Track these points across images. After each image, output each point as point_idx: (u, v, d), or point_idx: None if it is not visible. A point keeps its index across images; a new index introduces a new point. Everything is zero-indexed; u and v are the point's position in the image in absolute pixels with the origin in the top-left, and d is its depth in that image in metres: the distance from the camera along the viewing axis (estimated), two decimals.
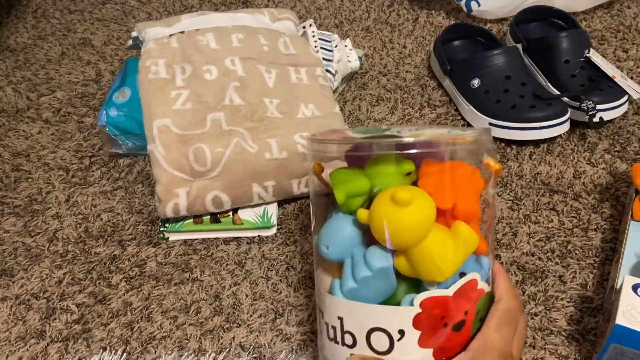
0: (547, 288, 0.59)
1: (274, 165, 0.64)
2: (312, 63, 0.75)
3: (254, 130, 0.65)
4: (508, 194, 0.69)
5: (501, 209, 0.67)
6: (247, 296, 0.61)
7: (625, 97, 0.74)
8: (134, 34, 0.72)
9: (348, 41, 0.84)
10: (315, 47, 0.82)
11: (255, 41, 0.72)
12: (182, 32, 0.71)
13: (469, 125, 0.78)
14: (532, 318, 0.57)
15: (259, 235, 0.66)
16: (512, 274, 0.61)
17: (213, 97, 0.66)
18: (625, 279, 0.49)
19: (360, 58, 0.85)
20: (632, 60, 0.86)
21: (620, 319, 0.47)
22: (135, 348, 0.57)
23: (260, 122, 0.66)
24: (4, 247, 0.67)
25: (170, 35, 0.71)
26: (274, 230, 0.67)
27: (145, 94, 0.66)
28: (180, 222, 0.65)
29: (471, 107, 0.77)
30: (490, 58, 0.76)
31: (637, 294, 0.48)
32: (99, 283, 0.63)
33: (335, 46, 0.82)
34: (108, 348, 0.57)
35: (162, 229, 0.65)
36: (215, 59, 0.69)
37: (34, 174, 0.75)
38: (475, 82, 0.77)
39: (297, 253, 0.64)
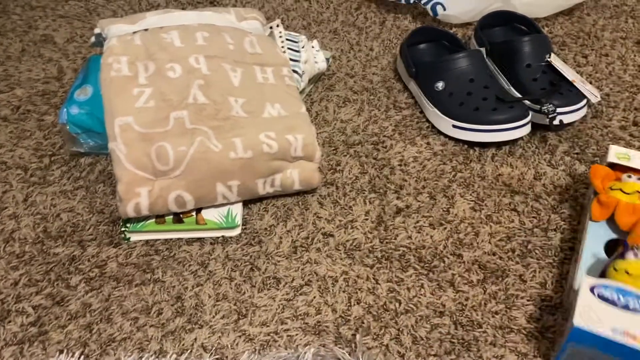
0: (508, 287, 0.60)
1: (238, 165, 0.64)
2: (279, 63, 0.75)
3: (218, 129, 0.65)
4: (470, 195, 0.70)
5: (463, 210, 0.68)
6: (209, 297, 0.60)
7: (585, 101, 0.76)
8: (96, 30, 0.71)
9: (315, 42, 0.84)
10: (282, 47, 0.82)
11: (221, 40, 0.72)
12: (146, 30, 0.70)
13: (433, 127, 0.79)
14: (492, 316, 0.58)
15: (222, 236, 0.66)
16: (473, 273, 0.61)
17: (177, 95, 0.65)
18: (583, 280, 0.50)
19: (327, 59, 0.85)
20: (592, 65, 0.88)
21: (578, 320, 0.48)
22: (94, 350, 0.56)
23: (224, 121, 0.65)
24: None
25: (134, 32, 0.70)
26: (238, 231, 0.66)
27: (106, 92, 0.65)
28: (142, 222, 0.64)
29: (435, 110, 0.78)
30: (455, 61, 0.77)
31: (594, 295, 0.49)
32: (57, 284, 0.61)
33: (303, 47, 0.82)
34: (65, 351, 0.56)
35: (123, 229, 0.64)
36: (179, 57, 0.68)
37: None
38: (440, 85, 0.78)
39: (261, 253, 0.64)
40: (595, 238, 0.59)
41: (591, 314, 0.48)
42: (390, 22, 1.00)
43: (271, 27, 0.84)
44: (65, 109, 0.71)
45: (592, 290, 0.49)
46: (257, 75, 0.72)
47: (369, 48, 0.94)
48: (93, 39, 0.73)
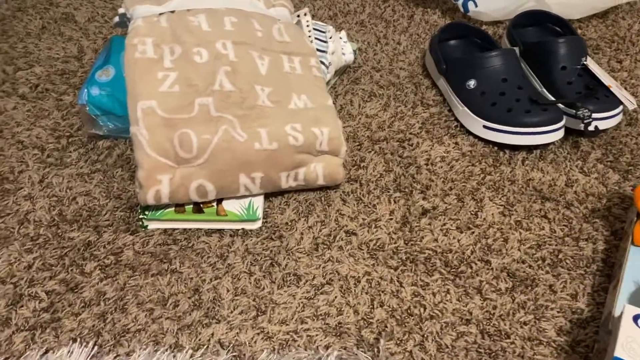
0: (537, 297, 0.58)
1: (263, 156, 0.61)
2: (306, 53, 0.72)
3: (243, 118, 0.62)
4: (500, 199, 0.67)
5: (492, 214, 0.66)
6: (228, 291, 0.58)
7: (621, 107, 0.73)
8: (121, 10, 0.68)
9: (343, 33, 0.82)
10: (310, 37, 0.79)
11: (249, 26, 0.69)
12: (172, 12, 0.68)
13: (462, 126, 0.76)
14: (521, 327, 0.56)
15: (242, 228, 0.64)
16: (502, 281, 0.59)
17: (202, 80, 0.63)
18: (625, 309, 0.48)
19: (354, 51, 0.83)
20: (626, 71, 0.86)
21: (620, 352, 0.45)
22: (108, 340, 0.54)
23: (250, 110, 0.63)
24: None
25: (160, 14, 0.67)
26: (259, 224, 0.64)
27: (130, 74, 0.63)
28: (161, 210, 0.62)
29: (465, 109, 0.75)
30: (488, 59, 0.75)
31: (638, 325, 0.47)
32: (72, 270, 0.59)
33: (330, 37, 0.80)
34: (78, 339, 0.54)
35: (141, 216, 0.62)
36: (207, 42, 0.66)
37: (7, 151, 0.71)
38: (471, 83, 0.75)
39: (282, 249, 0.62)
40: (637, 264, 0.56)
41: (634, 346, 0.45)
42: (419, 16, 0.97)
43: (298, 16, 0.81)
44: (85, 90, 0.69)
45: (635, 320, 0.47)
46: (284, 65, 0.70)
47: (397, 42, 0.91)
48: (117, 18, 0.70)
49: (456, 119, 0.78)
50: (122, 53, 0.71)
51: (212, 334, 0.55)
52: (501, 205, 0.67)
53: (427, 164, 0.71)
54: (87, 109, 0.69)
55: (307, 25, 0.80)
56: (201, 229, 0.63)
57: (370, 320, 0.56)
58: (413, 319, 0.56)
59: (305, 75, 0.70)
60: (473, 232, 0.64)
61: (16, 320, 0.55)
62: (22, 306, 0.56)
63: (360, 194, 0.68)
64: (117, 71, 0.70)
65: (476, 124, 0.74)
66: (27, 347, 0.53)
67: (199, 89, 0.63)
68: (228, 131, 0.61)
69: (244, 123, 0.62)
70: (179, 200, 0.61)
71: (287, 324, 0.56)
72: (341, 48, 0.80)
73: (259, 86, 0.65)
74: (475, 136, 0.75)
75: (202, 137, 0.60)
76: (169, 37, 0.65)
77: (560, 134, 0.71)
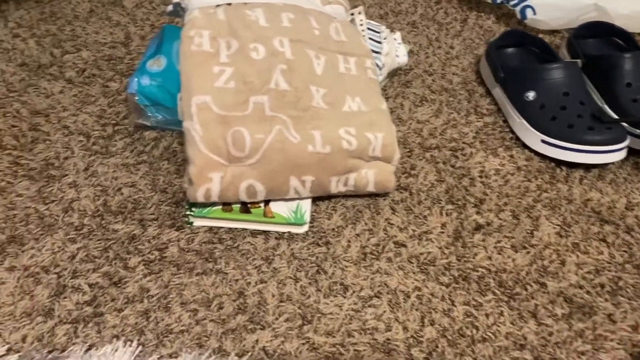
0: (596, 326, 0.55)
1: (315, 159, 0.60)
2: (362, 54, 0.70)
3: (297, 119, 0.61)
4: (556, 219, 0.65)
5: (548, 234, 0.63)
6: (273, 296, 0.57)
7: None
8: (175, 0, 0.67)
9: (398, 34, 0.79)
10: (363, 37, 0.77)
11: (307, 23, 0.67)
12: (229, 4, 0.66)
13: (517, 139, 0.74)
14: (578, 357, 0.53)
15: (289, 232, 0.62)
16: (558, 306, 0.57)
17: (258, 78, 0.62)
18: None
19: (408, 54, 0.80)
20: None
21: None
22: (150, 340, 0.53)
23: (304, 112, 0.61)
24: (16, 212, 0.62)
25: (217, 5, 0.66)
26: (305, 228, 0.62)
27: (186, 66, 0.61)
28: (208, 208, 0.61)
29: (523, 121, 0.72)
30: (550, 71, 0.72)
31: None
32: (115, 263, 0.58)
33: (384, 38, 0.78)
34: (121, 337, 0.53)
35: (188, 212, 0.61)
36: (264, 37, 0.64)
37: (53, 136, 0.70)
38: (530, 95, 0.72)
39: (328, 256, 0.60)
40: None
41: None
42: (473, 20, 0.94)
43: (352, 14, 0.79)
44: (136, 79, 0.68)
45: None
46: (340, 65, 0.67)
47: (449, 46, 0.89)
48: (170, 7, 0.69)
49: (511, 131, 0.75)
50: (174, 43, 0.70)
51: (257, 341, 0.53)
52: (558, 225, 0.64)
53: (480, 176, 0.69)
54: (137, 98, 0.68)
55: (361, 24, 0.78)
56: (246, 229, 0.62)
57: (420, 339, 0.54)
58: (465, 341, 0.54)
59: (360, 76, 0.68)
60: (529, 252, 0.61)
61: (59, 312, 0.54)
62: (65, 297, 0.55)
63: (410, 203, 0.66)
64: (169, 61, 0.69)
65: (534, 138, 0.71)
66: (69, 340, 0.52)
67: (255, 86, 0.61)
68: (282, 132, 0.59)
69: (298, 124, 0.60)
70: (227, 199, 0.60)
71: (333, 336, 0.54)
72: (395, 50, 0.78)
73: (314, 87, 0.63)
74: (532, 150, 0.72)
75: (255, 136, 0.58)
76: (226, 31, 0.63)
77: (623, 154, 0.68)
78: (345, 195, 0.66)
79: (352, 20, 0.78)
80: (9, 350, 0.51)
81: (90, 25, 0.87)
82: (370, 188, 0.64)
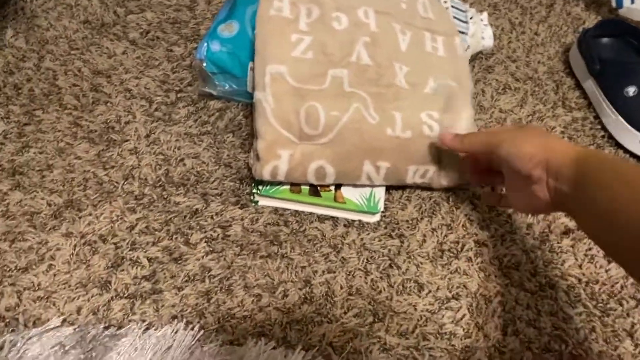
0: None
1: (393, 144, 0.55)
2: (450, 32, 0.64)
3: (378, 97, 0.56)
4: None
5: None
6: (341, 288, 0.52)
7: None
8: None
9: (485, 15, 0.73)
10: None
11: None
12: None
13: (610, 137, 0.67)
14: None
15: (359, 220, 0.57)
16: None
17: (339, 50, 0.57)
18: None
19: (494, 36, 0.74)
20: None
21: None
22: (211, 323, 0.49)
23: (387, 89, 0.56)
24: (74, 175, 0.59)
25: None
26: (377, 217, 0.58)
27: (261, 32, 0.57)
28: (276, 187, 0.57)
29: (620, 118, 0.66)
30: None
31: None
32: (176, 238, 0.55)
33: (471, 18, 0.71)
34: (180, 317, 0.49)
35: (254, 190, 0.57)
36: (348, 7, 0.59)
37: (114, 98, 0.66)
38: (631, 90, 0.65)
39: (402, 250, 0.55)
40: None
41: None
42: (560, 6, 0.87)
43: None
44: (205, 44, 0.63)
45: None
46: (427, 43, 0.62)
47: (534, 32, 0.82)
48: None
49: (604, 128, 0.68)
50: (248, 7, 0.66)
51: (324, 335, 0.49)
52: None
53: None
54: (204, 65, 0.64)
55: (445, 2, 0.72)
56: (314, 213, 0.57)
57: (503, 349, 0.49)
58: (552, 356, 0.49)
59: (448, 57, 0.62)
60: None
61: (116, 286, 0.51)
62: (122, 270, 0.52)
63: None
64: (242, 27, 0.64)
65: (631, 138, 0.64)
66: (125, 316, 0.49)
67: (334, 58, 0.56)
68: (360, 110, 0.54)
69: (378, 103, 0.55)
70: (295, 179, 0.55)
71: (407, 338, 0.49)
72: (481, 31, 0.72)
73: (397, 63, 0.58)
74: (627, 151, 0.65)
75: (331, 113, 0.54)
76: None
77: None
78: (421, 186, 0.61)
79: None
80: (63, 321, 0.48)
81: None
82: (445, 182, 0.58)
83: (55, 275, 0.51)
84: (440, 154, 0.57)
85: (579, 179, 0.41)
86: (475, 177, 0.57)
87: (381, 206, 0.57)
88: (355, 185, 0.58)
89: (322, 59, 0.56)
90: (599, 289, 0.53)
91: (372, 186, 0.58)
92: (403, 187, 0.60)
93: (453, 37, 0.64)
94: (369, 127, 0.54)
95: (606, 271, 0.55)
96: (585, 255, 0.56)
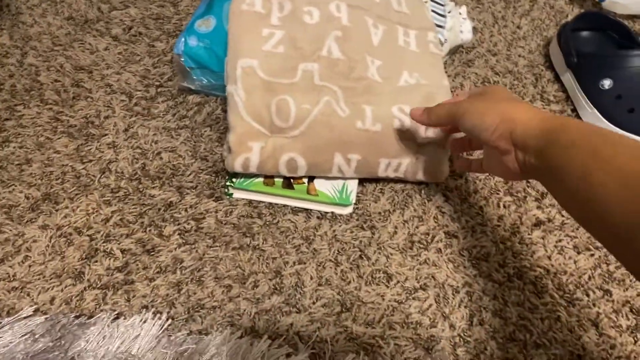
0: None
1: (363, 137, 0.55)
2: (424, 26, 0.65)
3: (349, 90, 0.56)
4: None
5: None
6: (311, 279, 0.53)
7: None
8: None
9: (463, 9, 0.73)
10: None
11: None
12: None
13: None
14: None
15: (332, 212, 0.58)
16: (623, 317, 0.51)
17: (310, 44, 0.57)
18: None
19: (473, 30, 0.74)
20: None
21: None
22: (180, 313, 0.50)
23: (357, 82, 0.57)
24: (52, 169, 0.60)
25: None
26: (350, 210, 0.58)
27: (234, 27, 0.57)
28: (250, 180, 0.57)
29: (595, 111, 0.66)
30: (631, 58, 0.65)
31: None
32: (150, 230, 0.56)
33: (449, 12, 0.72)
34: (150, 307, 0.50)
35: (228, 183, 0.58)
36: (319, 1, 0.60)
37: (95, 93, 0.67)
38: (606, 83, 0.66)
39: (373, 241, 0.56)
40: None
41: None
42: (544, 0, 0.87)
43: None
44: (183, 39, 0.64)
45: None
46: (399, 37, 0.62)
47: (516, 25, 0.82)
48: None
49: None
50: (225, 3, 0.66)
51: (292, 324, 0.50)
52: None
53: None
54: (182, 59, 0.64)
55: None
56: (288, 206, 0.58)
57: (468, 339, 0.50)
58: (516, 345, 0.49)
59: (420, 52, 0.63)
60: (592, 255, 0.56)
61: (89, 276, 0.52)
62: (96, 262, 0.53)
63: (465, 191, 0.61)
64: (219, 22, 0.65)
65: None
66: (97, 306, 0.50)
67: (305, 52, 0.57)
68: (330, 103, 0.55)
69: (349, 97, 0.56)
70: (267, 171, 0.56)
71: (373, 327, 0.50)
72: (460, 25, 0.72)
73: (370, 57, 0.59)
74: None
75: (301, 106, 0.54)
76: None
77: None
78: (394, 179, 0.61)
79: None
80: (36, 310, 0.49)
81: None
82: (420, 176, 0.59)
83: (30, 266, 0.52)
84: (415, 148, 0.58)
85: (546, 152, 0.40)
86: (453, 146, 0.57)
87: (353, 198, 0.58)
88: (328, 178, 0.59)
89: (293, 53, 0.57)
90: (567, 279, 0.54)
91: (345, 179, 0.59)
92: (377, 180, 0.61)
93: (427, 31, 0.64)
94: (339, 120, 0.55)
95: (574, 262, 0.55)
96: (555, 246, 0.56)
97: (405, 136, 0.56)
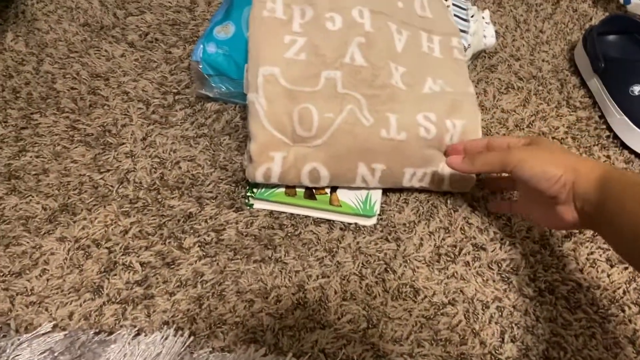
0: None
1: (388, 146, 0.54)
2: (448, 32, 0.63)
3: (372, 98, 0.55)
4: None
5: None
6: (336, 293, 0.52)
7: None
8: None
9: (487, 13, 0.72)
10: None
11: None
12: None
13: (615, 137, 0.65)
14: None
15: (355, 223, 0.56)
16: None
17: (332, 51, 0.56)
18: None
19: (496, 35, 0.73)
20: None
21: None
22: (202, 329, 0.49)
23: (381, 90, 0.55)
24: (70, 179, 0.59)
25: None
26: (374, 221, 0.57)
27: (255, 33, 0.56)
28: (271, 190, 0.56)
29: (625, 117, 0.64)
30: None
31: None
32: (169, 242, 0.54)
33: (472, 16, 0.70)
34: (171, 323, 0.49)
35: (248, 193, 0.56)
36: (342, 7, 0.58)
37: (112, 101, 0.66)
38: (637, 89, 0.64)
39: (398, 254, 0.55)
40: None
41: None
42: (566, 2, 0.85)
43: None
44: (201, 45, 0.63)
45: None
46: (423, 43, 0.61)
47: (539, 29, 0.80)
48: None
49: (609, 128, 0.66)
50: (244, 9, 0.65)
51: (316, 341, 0.48)
52: None
53: None
54: (200, 67, 0.63)
55: (446, 0, 0.71)
56: (309, 217, 0.57)
57: (499, 357, 0.48)
58: None
59: (444, 59, 0.61)
60: (627, 268, 0.54)
61: (108, 290, 0.51)
62: (115, 275, 0.52)
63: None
64: (238, 29, 0.64)
65: (636, 138, 0.63)
66: (117, 321, 0.49)
67: (327, 60, 0.56)
68: (354, 112, 0.53)
69: (372, 105, 0.54)
70: (288, 181, 0.55)
71: (401, 344, 0.48)
72: (483, 29, 0.70)
73: (393, 64, 0.57)
74: (633, 151, 0.64)
75: (324, 115, 0.53)
76: None
77: None
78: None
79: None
80: (54, 326, 0.48)
81: None
82: (446, 186, 0.57)
83: (48, 280, 0.51)
84: (440, 157, 0.56)
85: (602, 203, 0.41)
86: (489, 185, 0.57)
87: (377, 209, 0.56)
88: (350, 188, 0.57)
89: (315, 61, 0.55)
90: (600, 294, 0.52)
91: (368, 189, 0.58)
92: (400, 190, 0.59)
93: (450, 37, 0.63)
94: (363, 129, 0.53)
95: (608, 276, 0.53)
96: (587, 259, 0.54)
97: (431, 145, 0.55)
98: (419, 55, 0.60)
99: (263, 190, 0.56)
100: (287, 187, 0.56)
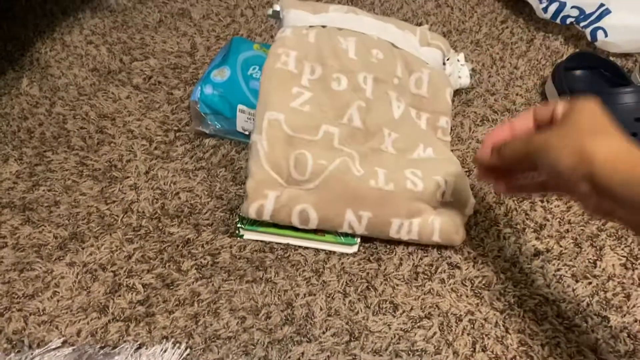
0: None
1: (376, 195, 0.57)
2: (439, 110, 0.68)
3: (364, 155, 0.60)
4: (622, 249, 0.61)
5: (613, 265, 0.60)
6: (321, 310, 0.56)
7: None
8: (276, 7, 0.69)
9: (461, 56, 0.78)
10: (460, 76, 0.77)
11: (392, 67, 0.67)
12: (323, 27, 0.67)
13: None
14: None
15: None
16: (621, 342, 0.54)
17: (334, 110, 0.62)
18: None
19: (471, 75, 0.79)
20: None
21: None
22: (198, 343, 0.53)
23: (371, 152, 0.61)
24: (79, 209, 0.64)
25: (310, 26, 0.66)
26: (355, 249, 0.61)
27: (266, 82, 0.62)
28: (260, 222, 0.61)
29: None
30: (621, 96, 0.69)
31: None
32: (169, 266, 0.59)
33: (447, 59, 0.76)
34: (170, 338, 0.53)
35: (239, 225, 0.61)
36: (349, 70, 0.64)
37: (117, 139, 0.72)
38: None
39: (379, 273, 0.59)
40: None
41: None
42: (539, 41, 0.92)
43: (448, 59, 0.77)
44: (199, 87, 0.69)
45: None
46: (412, 116, 0.67)
47: (514, 66, 0.86)
48: (270, 11, 0.70)
49: None
50: (239, 55, 0.71)
51: (303, 353, 0.53)
52: (623, 256, 0.61)
53: (542, 201, 0.66)
54: (198, 106, 0.69)
55: (460, 64, 0.77)
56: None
57: None
58: None
59: (428, 132, 0.67)
60: (590, 283, 0.58)
61: (113, 309, 0.56)
62: (119, 296, 0.57)
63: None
64: (232, 73, 0.70)
65: None
66: (120, 337, 0.54)
67: (328, 116, 0.61)
68: (346, 162, 0.58)
69: (364, 160, 0.60)
70: (280, 220, 0.59)
71: (380, 355, 0.53)
72: (458, 71, 0.77)
73: (387, 130, 0.63)
74: None
75: (318, 161, 0.57)
76: (313, 55, 0.64)
77: None
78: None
79: (448, 60, 0.76)
80: (64, 342, 0.53)
81: (159, 34, 0.90)
82: (436, 237, 0.59)
83: (58, 301, 0.56)
84: (430, 210, 0.59)
85: (626, 194, 0.35)
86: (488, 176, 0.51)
87: (358, 238, 0.61)
88: None
89: (317, 114, 0.60)
90: (566, 307, 0.56)
91: (355, 236, 0.61)
92: None
93: (439, 115, 0.67)
94: (353, 178, 0.57)
95: (573, 290, 0.58)
96: (554, 275, 0.59)
97: (419, 197, 0.58)
98: (413, 125, 0.66)
99: (252, 221, 0.61)
100: None
